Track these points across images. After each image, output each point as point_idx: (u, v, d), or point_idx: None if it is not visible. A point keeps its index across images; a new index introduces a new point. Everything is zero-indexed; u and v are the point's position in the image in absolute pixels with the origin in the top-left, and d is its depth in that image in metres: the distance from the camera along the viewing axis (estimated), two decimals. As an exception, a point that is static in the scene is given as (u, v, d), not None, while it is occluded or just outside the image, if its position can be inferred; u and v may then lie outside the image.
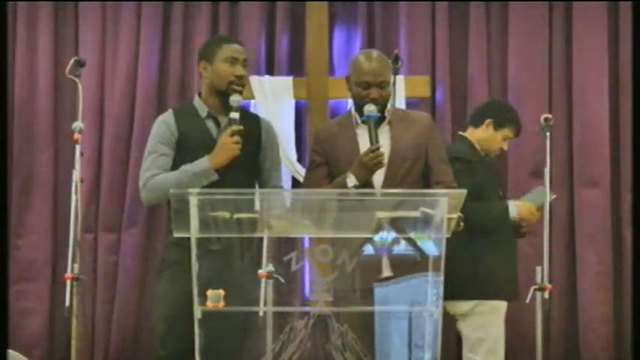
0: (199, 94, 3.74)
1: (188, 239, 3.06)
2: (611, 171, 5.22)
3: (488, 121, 4.41)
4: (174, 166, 3.62)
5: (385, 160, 3.55)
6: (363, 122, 3.58)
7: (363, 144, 3.58)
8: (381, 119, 3.61)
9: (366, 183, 3.52)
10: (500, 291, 4.22)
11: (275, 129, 4.98)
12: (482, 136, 4.41)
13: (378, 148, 3.47)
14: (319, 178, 3.64)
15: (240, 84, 3.63)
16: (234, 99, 3.56)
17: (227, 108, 3.61)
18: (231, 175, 3.48)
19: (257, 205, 3.14)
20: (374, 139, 3.50)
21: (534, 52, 5.29)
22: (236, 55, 3.64)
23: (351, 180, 3.48)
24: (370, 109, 3.52)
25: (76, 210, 3.80)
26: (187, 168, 3.54)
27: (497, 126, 4.41)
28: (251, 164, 3.67)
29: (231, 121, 3.53)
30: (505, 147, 4.48)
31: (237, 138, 3.50)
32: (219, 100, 3.64)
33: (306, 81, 5.21)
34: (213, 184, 3.48)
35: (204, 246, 3.01)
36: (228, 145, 3.49)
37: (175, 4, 5.41)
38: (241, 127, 3.51)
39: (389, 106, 3.70)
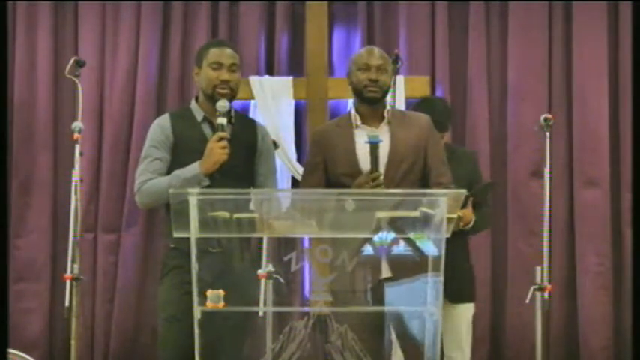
0: (196, 99, 3.74)
1: (187, 243, 3.05)
2: (611, 171, 5.22)
3: None
4: (172, 170, 3.61)
5: (385, 161, 3.56)
6: (370, 146, 3.53)
7: (360, 145, 3.57)
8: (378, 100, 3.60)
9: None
10: None
11: (275, 129, 5.03)
12: None
13: (378, 177, 3.47)
14: (315, 185, 3.63)
15: (227, 88, 3.61)
16: (222, 104, 3.54)
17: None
18: (226, 180, 3.47)
19: (251, 206, 3.13)
20: (374, 166, 3.48)
21: (534, 52, 5.29)
22: (221, 60, 3.62)
23: (350, 205, 3.46)
24: (372, 134, 3.51)
25: (75, 210, 3.80)
26: (178, 173, 3.54)
27: None
28: (247, 169, 3.66)
29: (218, 127, 3.53)
30: None
31: (224, 143, 3.49)
32: (212, 105, 3.63)
33: (306, 81, 5.22)
34: (207, 189, 3.46)
35: (203, 248, 2.99)
36: (215, 151, 3.48)
37: (175, 4, 5.42)
38: (227, 135, 3.50)
39: (388, 106, 3.70)
